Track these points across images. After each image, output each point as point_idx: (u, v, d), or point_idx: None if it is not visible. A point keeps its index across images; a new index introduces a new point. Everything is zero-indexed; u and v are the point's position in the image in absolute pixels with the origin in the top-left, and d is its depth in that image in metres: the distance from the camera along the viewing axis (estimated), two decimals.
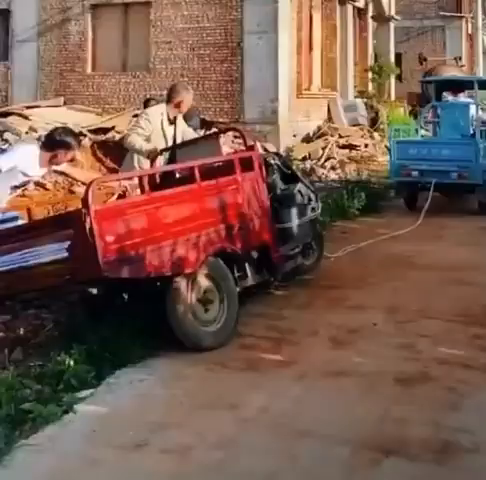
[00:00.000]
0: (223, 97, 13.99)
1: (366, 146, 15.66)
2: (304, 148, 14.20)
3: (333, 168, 13.46)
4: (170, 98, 6.24)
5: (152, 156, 5.97)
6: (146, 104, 9.90)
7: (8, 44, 15.81)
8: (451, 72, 24.68)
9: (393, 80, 21.03)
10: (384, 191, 11.18)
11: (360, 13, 20.23)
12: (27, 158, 4.89)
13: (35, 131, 10.84)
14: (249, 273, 5.07)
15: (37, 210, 5.73)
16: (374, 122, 17.87)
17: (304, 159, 13.78)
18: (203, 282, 4.58)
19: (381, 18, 21.90)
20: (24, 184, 5.64)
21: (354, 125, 16.48)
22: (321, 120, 15.89)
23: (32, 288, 4.38)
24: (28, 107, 14.02)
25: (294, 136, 14.55)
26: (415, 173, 9.35)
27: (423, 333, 4.51)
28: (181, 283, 4.39)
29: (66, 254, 3.92)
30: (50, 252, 3.98)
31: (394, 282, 5.78)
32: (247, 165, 5.20)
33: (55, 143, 4.87)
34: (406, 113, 19.93)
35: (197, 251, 4.46)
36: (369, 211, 9.37)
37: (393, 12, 22.52)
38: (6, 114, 13.51)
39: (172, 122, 6.22)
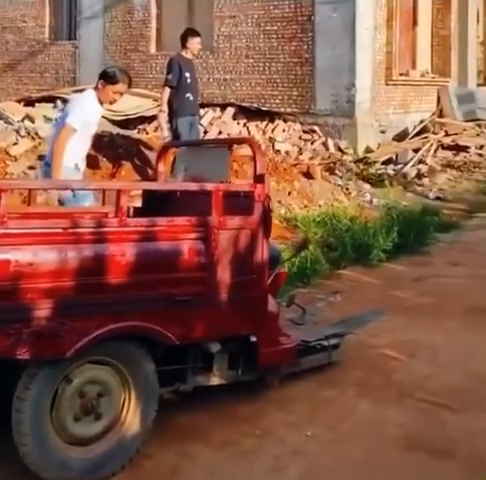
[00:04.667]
0: (292, 82, 11.47)
1: (481, 148, 12.38)
2: (390, 148, 11.32)
3: (419, 177, 10.52)
4: None
5: None
6: None
7: (75, 22, 14.38)
8: None
9: None
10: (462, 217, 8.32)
11: None
12: (88, 105, 5.13)
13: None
14: (215, 367, 3.31)
15: None
16: None
17: (388, 163, 10.95)
18: (90, 375, 2.87)
19: None
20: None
21: (472, 120, 13.18)
22: (427, 113, 12.81)
23: None
24: (78, 91, 12.56)
25: (382, 132, 11.71)
26: None
27: None
28: (36, 374, 2.70)
29: None
30: None
31: (298, 436, 3.23)
32: (240, 205, 3.30)
33: (106, 77, 5.12)
34: None
35: (80, 328, 2.70)
36: (411, 251, 6.63)
37: None
38: (51, 98, 12.21)
39: None
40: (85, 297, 2.72)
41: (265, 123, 11.76)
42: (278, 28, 11.30)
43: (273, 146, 11.26)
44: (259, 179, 3.26)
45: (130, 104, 12.17)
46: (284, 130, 11.69)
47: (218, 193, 3.05)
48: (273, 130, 11.71)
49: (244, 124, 11.73)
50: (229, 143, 4.20)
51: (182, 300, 2.95)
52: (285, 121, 11.68)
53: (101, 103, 5.25)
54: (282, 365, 3.59)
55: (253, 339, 3.31)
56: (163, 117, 7.96)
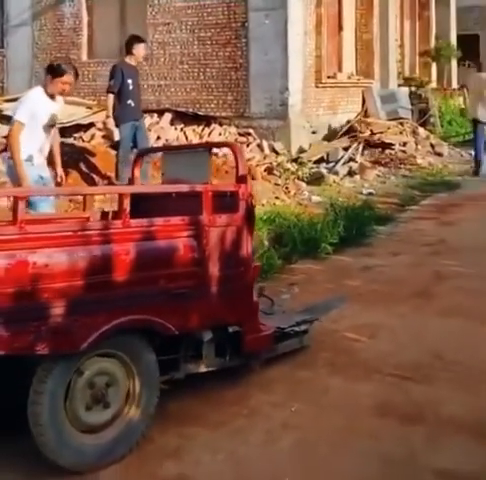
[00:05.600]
0: (226, 87, 11.84)
1: (404, 145, 13.13)
2: (321, 148, 11.86)
3: (350, 174, 11.09)
4: None
5: None
6: None
7: (2, 30, 14.24)
8: None
9: (455, 65, 18.17)
10: (395, 210, 8.91)
11: None
12: (33, 99, 5.55)
13: None
14: (205, 355, 3.59)
15: None
16: (425, 114, 15.28)
17: (320, 162, 11.48)
18: (99, 367, 3.12)
19: None
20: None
21: (394, 119, 13.94)
22: (353, 113, 13.46)
23: None
24: (9, 100, 12.46)
25: (313, 133, 12.24)
26: None
27: None
28: (52, 368, 2.93)
29: None
30: None
31: (284, 411, 3.59)
32: (226, 203, 3.61)
33: (51, 71, 5.56)
34: (467, 103, 17.04)
35: (91, 323, 2.95)
36: (354, 243, 7.09)
37: None
38: None
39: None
40: (94, 295, 2.96)
41: (201, 127, 12.07)
42: (212, 34, 11.65)
43: (211, 150, 11.57)
44: (241, 179, 3.58)
45: (64, 112, 12.20)
46: (220, 134, 12.02)
47: (207, 193, 3.35)
48: (209, 134, 12.03)
49: (181, 129, 11.99)
50: (209, 147, 4.52)
51: (179, 293, 3.24)
52: (221, 125, 12.02)
53: (52, 97, 5.63)
54: (262, 351, 3.91)
55: (235, 329, 3.62)
56: (111, 122, 8.16)
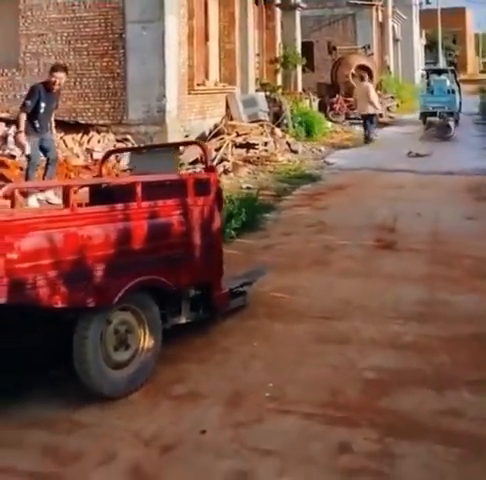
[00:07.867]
0: (104, 96, 12.60)
1: (266, 144, 14.63)
2: (195, 150, 12.96)
3: (225, 172, 12.33)
4: None
5: None
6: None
7: None
8: (360, 61, 24.15)
9: (300, 71, 20.11)
10: (274, 200, 10.27)
11: (266, 2, 19.18)
12: None
13: None
14: (183, 310, 4.53)
15: None
16: (279, 116, 16.93)
17: (195, 163, 12.58)
18: (121, 318, 4.01)
19: (287, 6, 20.94)
20: None
21: (255, 121, 15.42)
22: (219, 117, 14.74)
23: None
24: None
25: (186, 137, 13.32)
26: (430, 108, 20.67)
27: (267, 446, 3.43)
28: (92, 319, 3.79)
29: None
30: None
31: (248, 347, 4.69)
32: (202, 188, 4.51)
33: None
34: (312, 105, 19.02)
35: (119, 282, 3.84)
36: (251, 228, 8.29)
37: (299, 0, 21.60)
38: None
39: None
40: (122, 260, 3.85)
41: (80, 135, 12.69)
42: (89, 45, 12.33)
43: (92, 156, 12.26)
44: (211, 169, 4.60)
45: None
46: (99, 141, 12.73)
47: (190, 181, 4.34)
48: (89, 141, 12.69)
49: (61, 137, 12.53)
50: (176, 145, 5.43)
51: (174, 258, 4.20)
52: (99, 132, 12.72)
53: None
54: (223, 306, 4.95)
55: (208, 287, 4.63)
56: (23, 137, 8.66)
